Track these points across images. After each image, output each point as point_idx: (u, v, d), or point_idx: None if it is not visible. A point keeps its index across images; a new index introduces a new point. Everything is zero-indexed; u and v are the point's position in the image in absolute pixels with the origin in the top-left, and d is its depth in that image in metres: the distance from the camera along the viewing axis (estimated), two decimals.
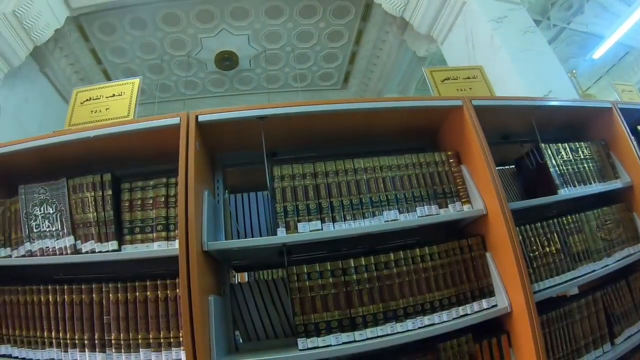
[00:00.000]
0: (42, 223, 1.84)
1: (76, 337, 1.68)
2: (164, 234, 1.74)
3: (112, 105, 2.04)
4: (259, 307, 1.89)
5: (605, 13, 6.07)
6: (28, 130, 5.12)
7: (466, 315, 1.79)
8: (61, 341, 1.70)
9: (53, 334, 1.72)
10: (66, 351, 1.69)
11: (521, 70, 3.85)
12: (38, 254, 1.82)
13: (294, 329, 1.72)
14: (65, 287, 1.74)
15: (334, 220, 1.80)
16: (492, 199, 1.89)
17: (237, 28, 5.75)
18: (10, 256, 1.89)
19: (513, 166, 2.62)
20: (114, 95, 2.08)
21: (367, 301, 1.70)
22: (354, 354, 1.67)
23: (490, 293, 1.87)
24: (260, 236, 1.93)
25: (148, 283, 1.67)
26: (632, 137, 2.44)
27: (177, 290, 1.64)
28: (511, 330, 1.83)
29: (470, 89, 2.42)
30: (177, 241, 1.66)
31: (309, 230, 1.76)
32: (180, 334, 1.60)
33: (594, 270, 2.06)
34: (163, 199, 1.78)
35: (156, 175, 1.83)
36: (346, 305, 1.68)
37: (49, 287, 1.76)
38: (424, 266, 1.81)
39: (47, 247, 1.81)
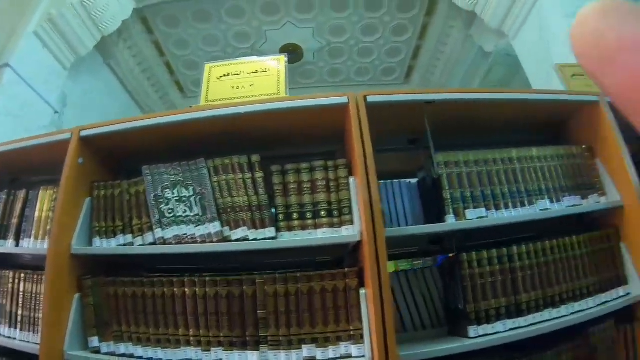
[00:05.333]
0: (177, 207, 1.70)
1: (221, 334, 1.53)
2: (326, 220, 1.60)
3: (257, 82, 1.91)
4: (407, 297, 1.79)
5: None
6: (91, 119, 5.01)
7: (607, 302, 1.80)
8: (201, 339, 1.55)
9: (191, 331, 1.56)
10: (208, 350, 1.54)
11: None
12: (173, 242, 1.67)
13: (441, 320, 1.78)
14: (207, 278, 1.58)
15: (496, 208, 1.76)
16: (629, 192, 1.89)
17: (302, 21, 5.63)
18: (132, 244, 1.75)
19: None
20: (257, 71, 1.96)
21: (530, 288, 1.70)
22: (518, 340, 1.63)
23: (625, 282, 1.89)
24: (407, 224, 1.81)
25: (313, 273, 1.52)
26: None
27: (347, 280, 1.50)
28: None
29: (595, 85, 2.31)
30: (343, 228, 1.57)
31: (475, 217, 1.70)
32: (351, 327, 1.48)
33: None
34: (324, 183, 1.64)
35: (302, 158, 1.70)
36: (512, 292, 1.67)
37: (185, 278, 1.60)
38: (573, 255, 1.82)
39: (185, 234, 1.67)
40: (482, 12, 4.73)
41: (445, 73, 6.40)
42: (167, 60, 6.10)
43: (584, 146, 2.07)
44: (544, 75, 3.37)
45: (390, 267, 2.37)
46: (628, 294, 1.85)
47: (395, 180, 1.86)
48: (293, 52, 6.06)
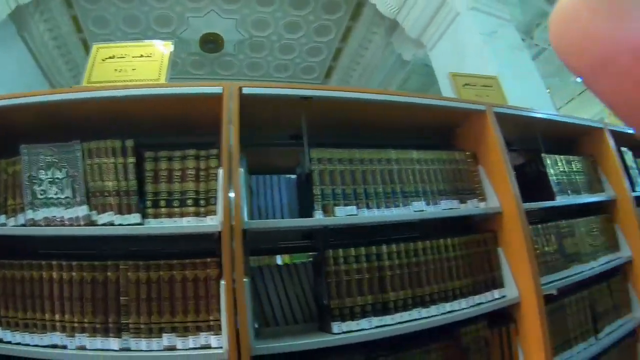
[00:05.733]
0: (49, 189, 1.65)
1: (85, 320, 1.51)
2: (192, 209, 1.60)
3: (139, 67, 1.86)
4: (279, 291, 1.81)
5: None
6: None
7: (481, 304, 1.88)
8: (66, 325, 1.52)
9: (57, 316, 1.53)
10: (72, 336, 1.51)
11: (509, 85, 3.77)
12: (42, 224, 1.63)
13: (313, 315, 1.79)
14: (74, 263, 1.55)
15: (368, 207, 1.79)
16: (508, 199, 2.01)
17: (226, 11, 5.57)
18: (5, 224, 1.68)
19: None
20: (142, 55, 1.90)
21: (398, 287, 1.73)
22: (385, 338, 1.65)
23: (501, 285, 1.99)
24: (282, 218, 1.84)
25: (175, 262, 1.52)
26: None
27: (208, 270, 1.51)
28: (519, 320, 1.96)
29: (487, 96, 2.49)
30: (208, 217, 1.57)
31: (344, 214, 1.72)
32: (210, 318, 1.49)
33: (582, 271, 2.26)
34: (194, 172, 1.63)
35: (181, 147, 1.68)
36: (379, 290, 1.69)
37: (53, 262, 1.56)
38: (446, 256, 1.88)
39: (54, 216, 1.62)
40: (403, 21, 4.95)
41: (363, 77, 6.58)
42: (84, 37, 5.84)
43: (467, 152, 2.16)
44: None
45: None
46: (504, 296, 1.96)
47: (274, 175, 1.88)
48: (214, 42, 6.01)
